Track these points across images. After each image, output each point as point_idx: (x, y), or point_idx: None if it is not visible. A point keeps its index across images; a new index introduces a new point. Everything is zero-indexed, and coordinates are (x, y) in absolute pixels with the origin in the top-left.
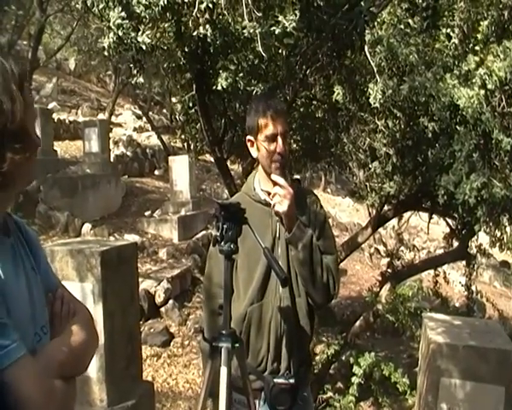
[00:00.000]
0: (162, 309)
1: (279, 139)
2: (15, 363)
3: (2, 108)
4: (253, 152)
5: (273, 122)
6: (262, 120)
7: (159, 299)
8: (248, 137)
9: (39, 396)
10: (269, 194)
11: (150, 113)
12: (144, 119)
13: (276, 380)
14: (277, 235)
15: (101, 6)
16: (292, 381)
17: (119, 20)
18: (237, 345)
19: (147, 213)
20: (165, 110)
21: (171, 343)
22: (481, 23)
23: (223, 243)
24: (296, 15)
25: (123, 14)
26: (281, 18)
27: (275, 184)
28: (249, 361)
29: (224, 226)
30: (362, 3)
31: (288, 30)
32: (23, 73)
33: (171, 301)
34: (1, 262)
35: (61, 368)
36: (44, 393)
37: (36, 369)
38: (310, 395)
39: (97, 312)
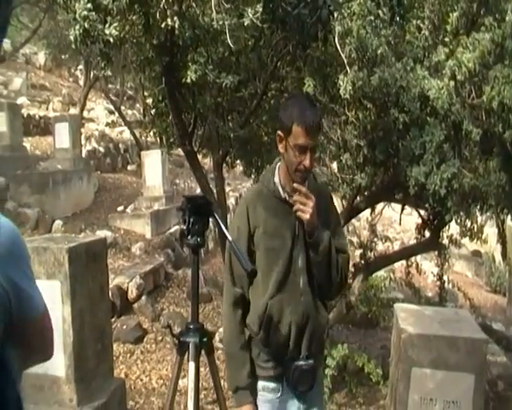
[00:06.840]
0: (135, 305)
1: (308, 153)
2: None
3: None
4: (281, 148)
5: (306, 134)
6: (296, 128)
7: (131, 295)
8: (279, 132)
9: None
10: (289, 194)
11: (123, 107)
12: (117, 113)
13: (296, 363)
14: (297, 234)
15: None
16: (311, 362)
17: (85, 12)
18: (205, 340)
19: (119, 209)
20: (138, 105)
21: (145, 339)
22: (451, 15)
23: (189, 236)
24: (260, 2)
25: (89, 5)
26: (246, 8)
27: (296, 190)
28: (270, 350)
29: (191, 220)
30: None
31: (254, 21)
32: None
33: (144, 297)
34: None
35: None
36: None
37: None
38: (321, 376)
39: (66, 310)
